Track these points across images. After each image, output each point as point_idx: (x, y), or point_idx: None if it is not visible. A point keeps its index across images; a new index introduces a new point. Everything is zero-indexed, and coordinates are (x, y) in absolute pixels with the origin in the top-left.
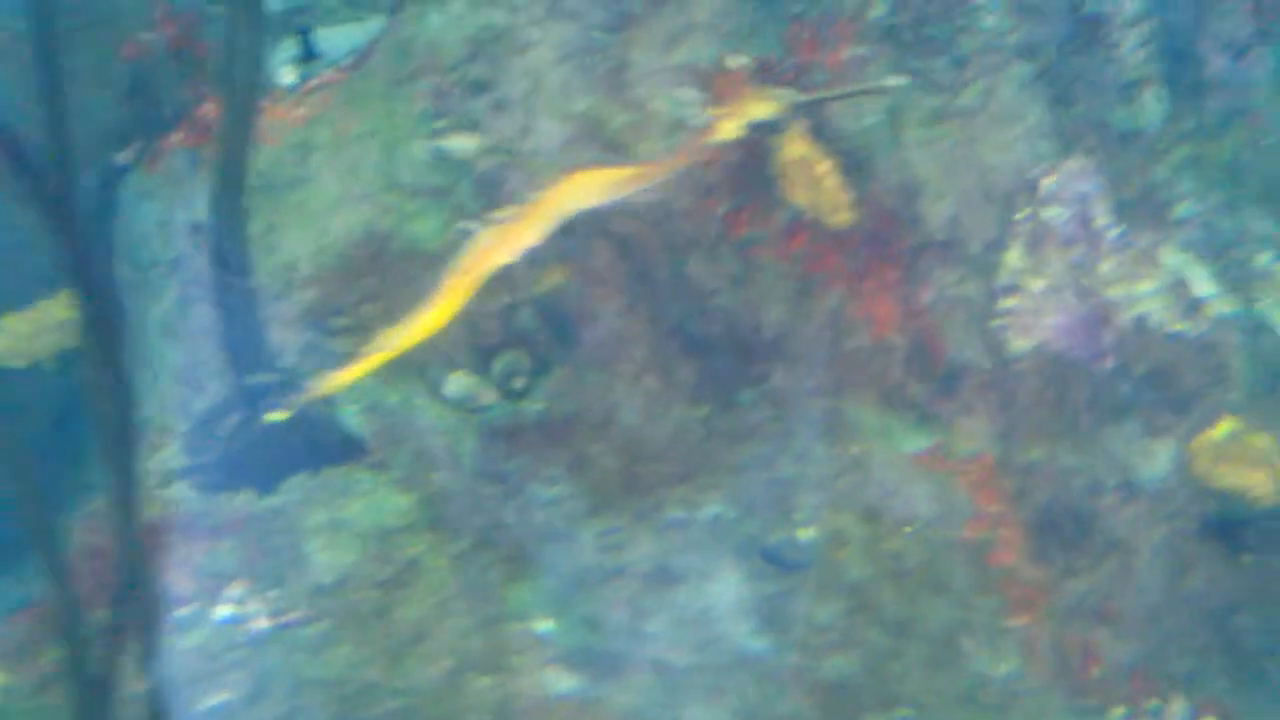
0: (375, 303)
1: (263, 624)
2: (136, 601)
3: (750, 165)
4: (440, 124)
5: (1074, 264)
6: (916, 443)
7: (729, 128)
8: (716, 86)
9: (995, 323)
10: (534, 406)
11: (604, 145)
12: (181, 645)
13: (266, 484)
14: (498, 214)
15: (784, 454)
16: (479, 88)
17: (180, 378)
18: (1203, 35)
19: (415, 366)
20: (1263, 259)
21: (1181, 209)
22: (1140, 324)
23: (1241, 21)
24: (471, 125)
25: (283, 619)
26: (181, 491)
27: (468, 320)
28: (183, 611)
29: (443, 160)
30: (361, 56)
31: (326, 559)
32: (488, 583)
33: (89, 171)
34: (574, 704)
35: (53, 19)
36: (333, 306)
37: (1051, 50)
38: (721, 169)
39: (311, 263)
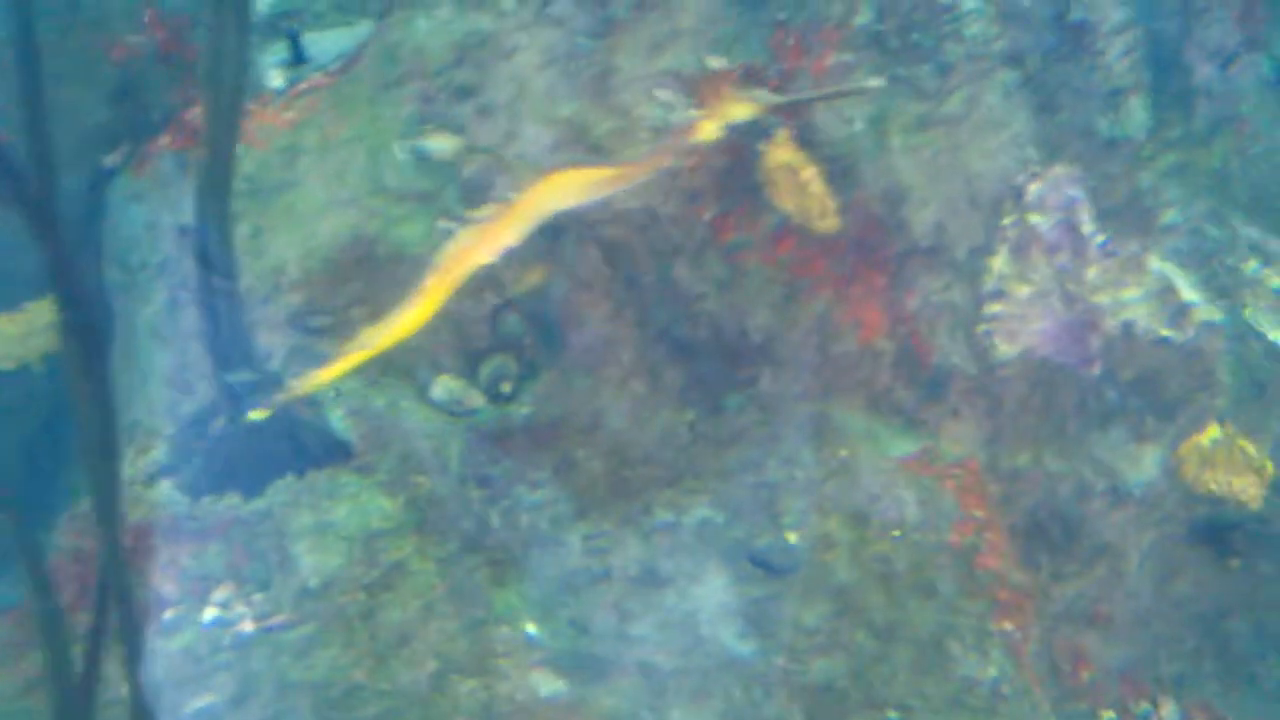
0: (362, 306)
1: (248, 627)
2: (119, 605)
3: (736, 171)
4: (422, 126)
5: (1060, 270)
6: (903, 447)
7: (709, 128)
8: (700, 90)
9: (982, 328)
10: (521, 410)
11: (588, 150)
12: (167, 648)
13: (253, 487)
14: (476, 213)
15: (771, 458)
16: (465, 93)
17: (168, 380)
18: (1190, 44)
19: (402, 370)
20: (1250, 266)
21: (1168, 216)
22: (1127, 330)
23: (1228, 30)
24: (457, 130)
25: (268, 622)
26: (168, 494)
27: (455, 324)
28: (169, 614)
29: (424, 161)
30: (349, 61)
31: (312, 562)
32: (474, 586)
33: (78, 174)
34: (559, 707)
35: (33, 22)
36: (320, 309)
37: (1036, 58)
38: (708, 174)
39: (299, 266)
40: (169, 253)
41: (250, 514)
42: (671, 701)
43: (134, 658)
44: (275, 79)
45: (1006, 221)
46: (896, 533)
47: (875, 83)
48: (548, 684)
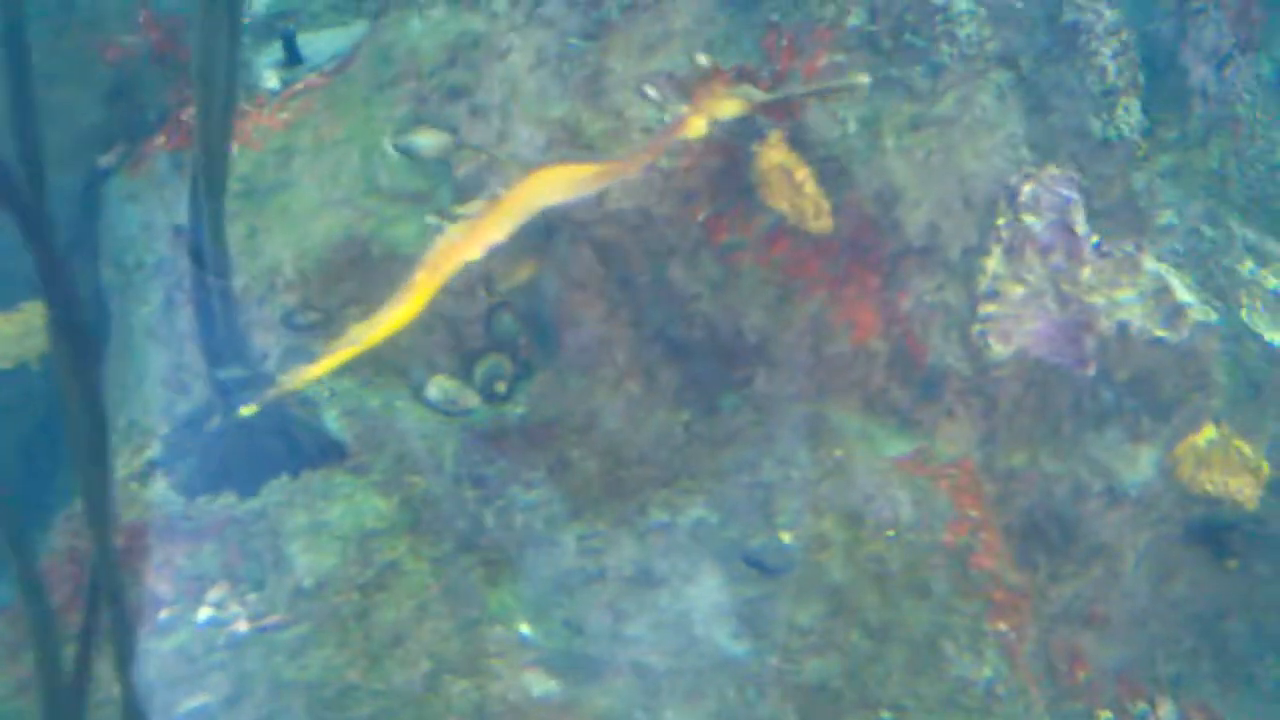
0: (356, 305)
1: (243, 627)
2: (110, 606)
3: (730, 172)
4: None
5: (1054, 270)
6: (898, 447)
7: (697, 124)
8: (689, 88)
9: (976, 328)
10: (516, 410)
11: (580, 151)
12: (161, 648)
13: (248, 487)
14: (464, 209)
15: (766, 458)
16: (458, 93)
17: (164, 380)
18: (1185, 45)
19: (397, 370)
20: (1246, 267)
21: (1164, 217)
22: (1122, 330)
23: (1223, 31)
24: (449, 130)
25: (263, 622)
26: (163, 494)
27: (450, 324)
28: (164, 614)
29: (412, 158)
30: (344, 61)
31: (307, 562)
32: (468, 586)
33: (73, 174)
34: (553, 707)
35: (23, 21)
36: (309, 306)
37: (1029, 59)
38: (702, 175)
39: (294, 266)
40: (165, 253)
41: (245, 513)
42: (665, 702)
43: (125, 658)
44: (271, 79)
45: (1000, 222)
46: (891, 533)
47: (862, 79)
48: (541, 684)
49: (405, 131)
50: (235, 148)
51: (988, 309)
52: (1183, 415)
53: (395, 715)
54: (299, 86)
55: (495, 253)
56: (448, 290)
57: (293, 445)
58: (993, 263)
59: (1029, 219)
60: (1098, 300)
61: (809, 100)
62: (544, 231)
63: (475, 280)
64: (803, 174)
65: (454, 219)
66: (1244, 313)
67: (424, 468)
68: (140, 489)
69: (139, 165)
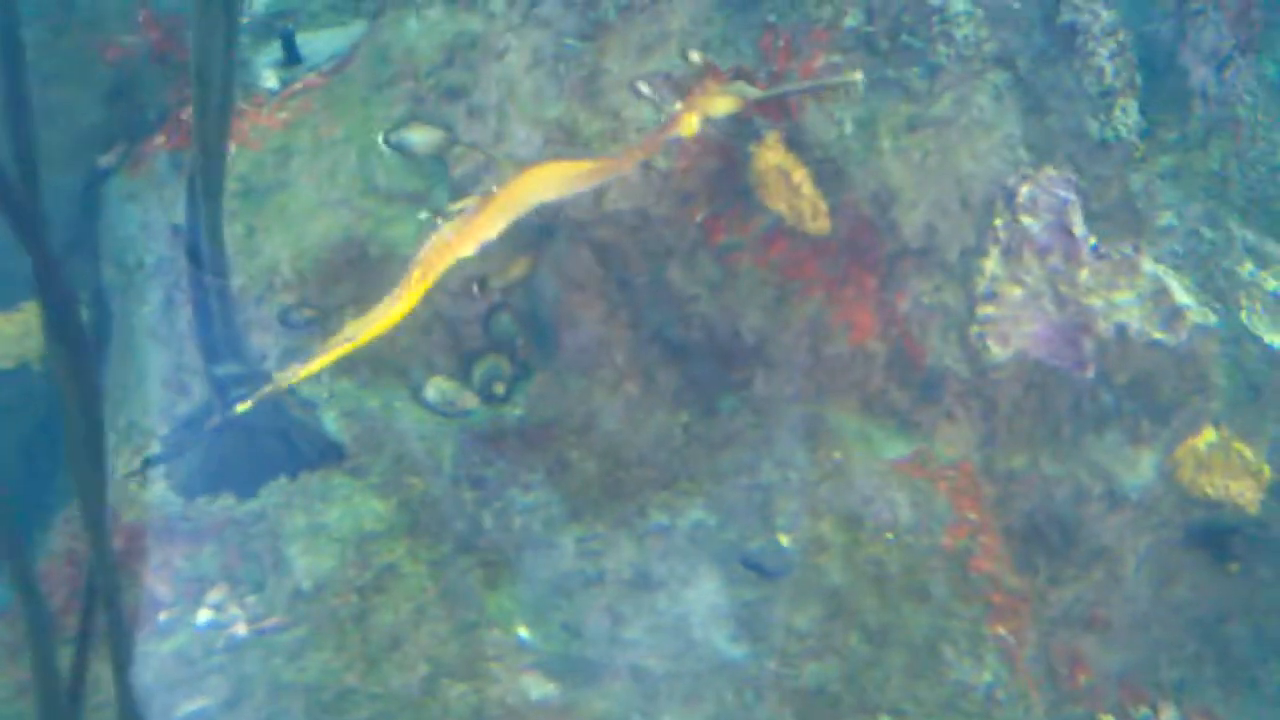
0: (354, 305)
1: (241, 629)
2: (107, 608)
3: (728, 173)
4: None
5: (1052, 272)
6: (897, 449)
7: (689, 121)
8: (684, 86)
9: (974, 330)
10: (514, 412)
11: (575, 150)
12: (160, 651)
13: (247, 488)
14: (457, 206)
15: (764, 460)
16: (454, 93)
17: (164, 380)
18: (1185, 46)
19: (395, 371)
20: (1246, 269)
21: (1163, 219)
22: (1120, 333)
23: (1223, 33)
24: (446, 129)
25: (262, 624)
26: (162, 495)
27: (448, 325)
28: (163, 616)
29: (407, 155)
30: (342, 61)
31: (305, 564)
32: (466, 588)
33: (73, 174)
34: (551, 710)
35: (18, 21)
36: (305, 304)
37: (1026, 60)
38: (699, 176)
39: (292, 266)
40: (164, 252)
41: (245, 515)
42: (663, 705)
43: (122, 661)
44: (270, 79)
45: (998, 223)
46: (890, 535)
47: (856, 76)
48: (539, 687)
49: (398, 128)
50: (234, 147)
51: (986, 310)
52: (1182, 418)
53: (393, 718)
54: (297, 86)
55: (488, 250)
56: (446, 291)
57: (291, 446)
58: (990, 264)
59: (1026, 220)
60: (1096, 302)
61: (806, 101)
62: (539, 230)
63: (471, 279)
64: (800, 175)
65: (449, 217)
66: (1244, 315)
67: (422, 469)
68: (139, 490)
69: (139, 165)
